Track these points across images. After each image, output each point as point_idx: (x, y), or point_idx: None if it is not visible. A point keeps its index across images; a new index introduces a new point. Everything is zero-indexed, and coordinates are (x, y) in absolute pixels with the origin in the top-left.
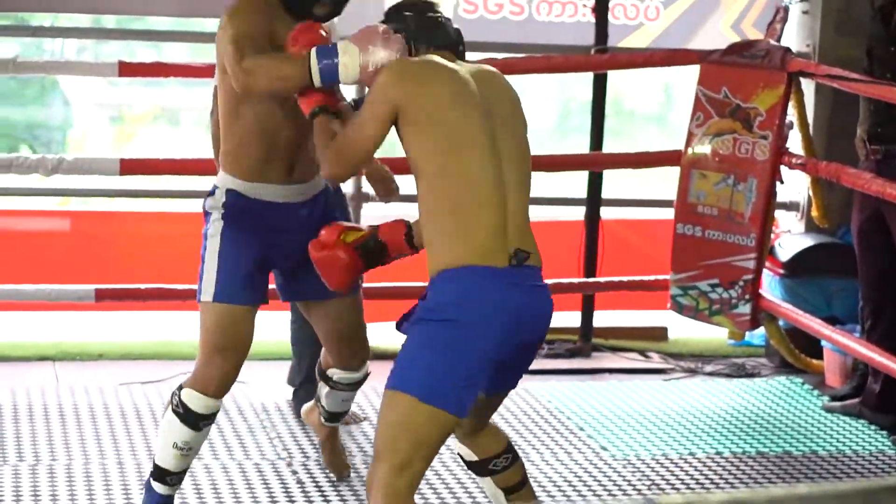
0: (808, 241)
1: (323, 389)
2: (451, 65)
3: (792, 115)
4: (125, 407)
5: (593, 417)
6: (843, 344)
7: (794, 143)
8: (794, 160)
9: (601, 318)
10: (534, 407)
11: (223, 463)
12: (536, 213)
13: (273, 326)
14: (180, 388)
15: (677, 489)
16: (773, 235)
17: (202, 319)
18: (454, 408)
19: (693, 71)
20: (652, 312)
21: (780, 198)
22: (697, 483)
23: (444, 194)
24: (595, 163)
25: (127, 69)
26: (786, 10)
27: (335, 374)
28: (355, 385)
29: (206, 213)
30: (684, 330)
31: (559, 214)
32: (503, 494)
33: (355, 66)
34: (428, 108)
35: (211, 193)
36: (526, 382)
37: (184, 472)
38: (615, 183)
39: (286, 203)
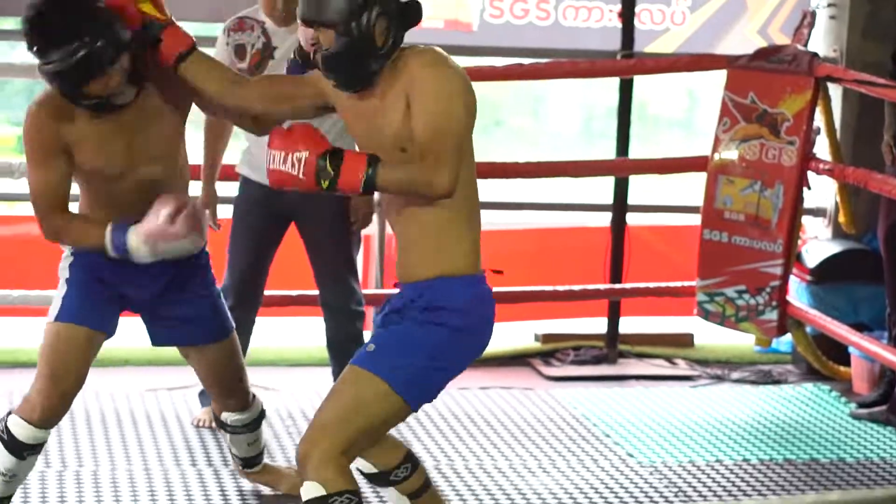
0: (835, 248)
1: (226, 437)
2: None
3: (819, 120)
4: (151, 413)
5: (619, 424)
6: (870, 350)
7: (822, 148)
8: (821, 166)
9: (627, 325)
10: (560, 413)
11: None
12: (562, 220)
13: (303, 333)
14: (9, 412)
15: (704, 497)
16: (800, 241)
17: (41, 343)
18: (416, 405)
19: (717, 75)
20: (678, 319)
21: (807, 204)
22: (724, 490)
23: (463, 206)
24: (621, 169)
25: None
26: (813, 14)
27: (227, 417)
28: (251, 426)
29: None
30: (711, 336)
31: (585, 221)
32: (408, 500)
33: (144, 252)
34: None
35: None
36: (552, 389)
37: (7, 498)
38: (641, 189)
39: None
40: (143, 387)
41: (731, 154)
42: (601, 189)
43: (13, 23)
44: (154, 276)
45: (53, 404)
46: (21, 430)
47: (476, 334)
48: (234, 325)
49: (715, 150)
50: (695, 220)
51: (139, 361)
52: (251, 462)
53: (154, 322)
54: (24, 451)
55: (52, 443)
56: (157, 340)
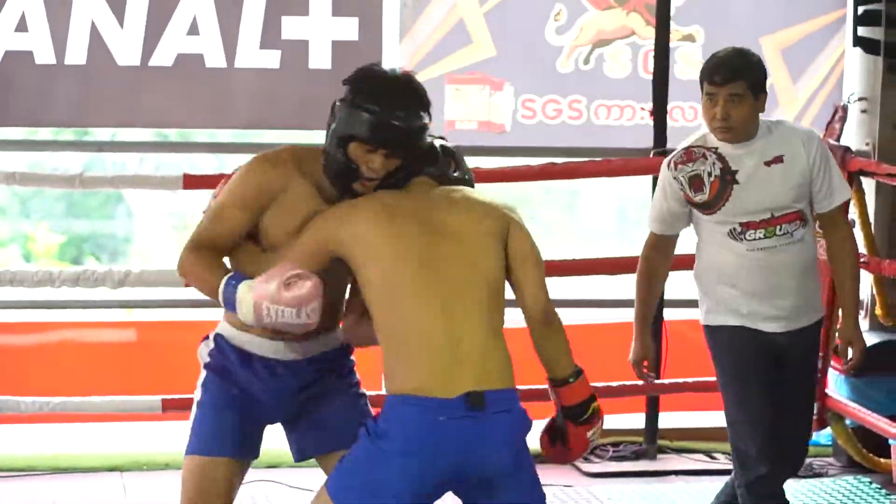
0: (872, 339)
1: None
2: (392, 198)
3: (854, 213)
4: None
5: None
6: None
7: (857, 241)
8: None
9: (666, 420)
10: None
11: None
12: (598, 316)
13: None
14: None
15: None
16: (836, 335)
17: (182, 473)
18: None
19: None
20: (718, 413)
21: None
22: None
23: (389, 327)
24: None
25: (191, 181)
26: (844, 109)
27: None
28: None
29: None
30: None
31: (621, 316)
32: None
33: (249, 308)
34: (358, 247)
35: (206, 338)
36: (592, 486)
37: None
38: (676, 282)
39: (278, 359)
40: None
41: None
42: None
43: (50, 133)
44: (290, 380)
45: None
46: None
47: (395, 458)
48: None
49: None
50: None
51: (180, 465)
52: None
53: (297, 430)
54: None
55: None
56: (303, 452)
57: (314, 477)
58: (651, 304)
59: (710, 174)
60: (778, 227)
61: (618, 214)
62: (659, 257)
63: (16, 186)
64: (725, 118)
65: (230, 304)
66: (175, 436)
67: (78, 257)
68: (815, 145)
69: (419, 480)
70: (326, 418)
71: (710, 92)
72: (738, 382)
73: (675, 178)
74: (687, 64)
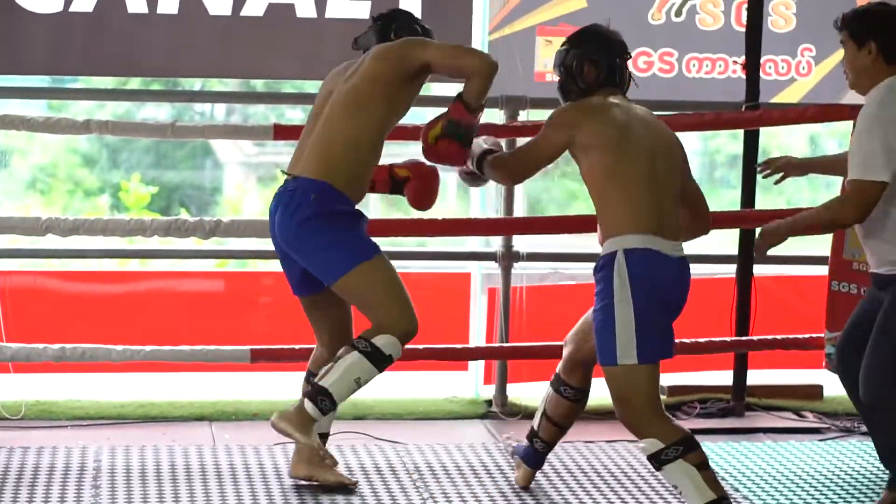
0: None
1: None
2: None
3: None
4: (280, 466)
5: (748, 478)
6: None
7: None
8: None
9: (754, 377)
10: None
11: None
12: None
13: (429, 385)
14: None
15: None
16: None
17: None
18: None
19: (841, 122)
20: (806, 371)
21: None
22: None
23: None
24: (747, 220)
25: (282, 132)
26: None
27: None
28: None
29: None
30: (840, 388)
31: (710, 271)
32: None
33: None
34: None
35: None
36: None
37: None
38: None
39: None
40: (271, 440)
41: None
42: (726, 238)
43: (139, 83)
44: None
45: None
46: None
47: None
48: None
49: None
50: (821, 270)
51: (268, 415)
52: None
53: None
54: None
55: (184, 495)
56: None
57: (400, 428)
58: None
59: None
60: None
61: (704, 168)
62: None
63: (106, 136)
64: None
65: None
66: (264, 385)
67: (167, 208)
68: None
69: (275, 241)
70: None
71: None
72: None
73: None
74: (780, 16)
